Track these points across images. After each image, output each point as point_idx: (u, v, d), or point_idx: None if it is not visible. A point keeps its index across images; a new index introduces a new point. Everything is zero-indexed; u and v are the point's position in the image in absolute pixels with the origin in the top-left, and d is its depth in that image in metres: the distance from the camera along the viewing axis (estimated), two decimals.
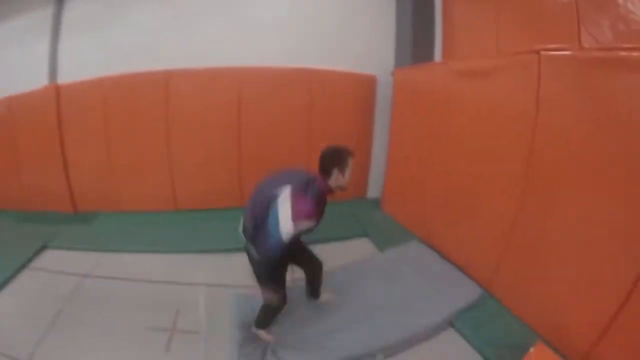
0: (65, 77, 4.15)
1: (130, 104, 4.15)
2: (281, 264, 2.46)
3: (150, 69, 4.10)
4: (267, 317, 2.60)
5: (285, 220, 2.05)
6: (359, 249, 4.04)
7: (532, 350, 2.21)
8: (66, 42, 4.19)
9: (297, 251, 2.65)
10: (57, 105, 4.08)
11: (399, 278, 3.22)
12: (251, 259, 2.43)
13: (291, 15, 4.49)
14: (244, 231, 2.50)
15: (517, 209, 2.72)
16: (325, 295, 3.02)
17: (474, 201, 3.17)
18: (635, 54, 1.98)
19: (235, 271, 3.35)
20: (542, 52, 2.48)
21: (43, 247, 3.68)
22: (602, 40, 2.46)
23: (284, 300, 2.49)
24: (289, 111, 4.52)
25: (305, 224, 2.11)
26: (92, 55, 4.18)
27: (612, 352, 2.07)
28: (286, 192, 2.13)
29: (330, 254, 3.69)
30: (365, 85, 4.77)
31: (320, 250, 3.32)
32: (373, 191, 5.15)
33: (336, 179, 2.24)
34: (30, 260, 3.46)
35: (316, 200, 2.19)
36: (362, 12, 4.71)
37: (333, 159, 2.23)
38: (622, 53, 2.06)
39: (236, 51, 4.27)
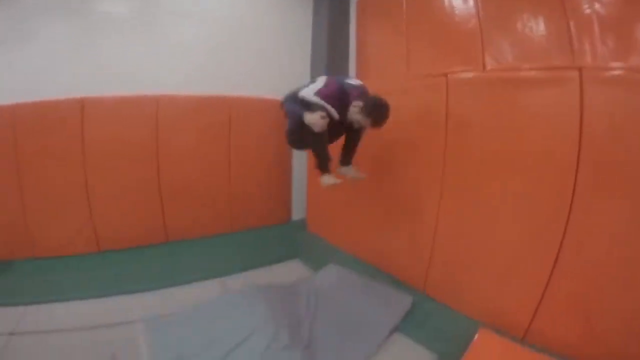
0: None
1: (42, 135, 3.67)
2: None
3: (62, 97, 3.71)
4: (317, 153, 2.87)
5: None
6: (291, 270, 4.06)
7: (476, 337, 2.43)
8: None
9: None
10: None
11: (327, 307, 3.17)
12: None
13: (208, 41, 4.45)
14: None
15: (437, 208, 3.00)
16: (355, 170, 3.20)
17: (397, 207, 3.39)
18: (531, 73, 2.43)
19: (172, 304, 3.27)
20: (449, 75, 2.85)
21: None
22: (503, 61, 2.88)
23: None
24: (206, 139, 4.39)
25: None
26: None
27: (549, 322, 2.37)
28: None
29: (263, 278, 3.71)
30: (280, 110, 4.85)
31: (253, 276, 3.32)
32: (297, 213, 5.19)
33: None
34: None
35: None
36: (278, 38, 4.87)
37: (369, 106, 2.65)
38: (521, 73, 2.51)
39: (152, 77, 4.09)
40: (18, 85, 3.63)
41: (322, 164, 2.89)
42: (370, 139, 3.17)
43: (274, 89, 4.70)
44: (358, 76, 4.56)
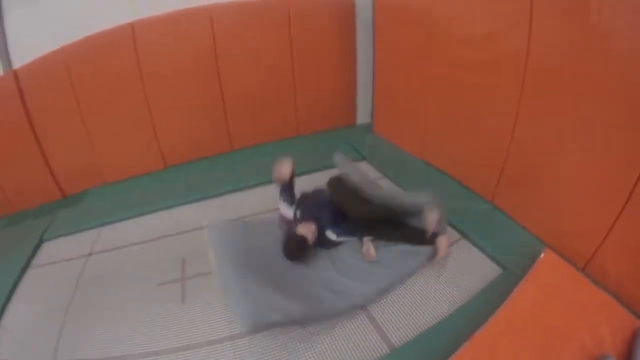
0: (21, 59, 3.69)
1: (97, 68, 3.78)
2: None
3: (111, 26, 3.72)
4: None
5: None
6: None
7: (541, 256, 2.42)
8: (12, 21, 3.66)
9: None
10: (20, 93, 3.66)
11: None
12: None
13: None
14: None
15: (514, 121, 2.77)
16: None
17: (471, 115, 3.18)
18: None
19: (239, 208, 3.55)
20: None
21: (40, 242, 3.57)
22: None
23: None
24: (267, 42, 4.25)
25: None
26: (44, 27, 3.68)
27: (614, 253, 2.28)
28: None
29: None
30: (344, 9, 4.49)
31: (319, 179, 3.37)
32: (363, 117, 5.10)
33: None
34: (30, 259, 3.35)
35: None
36: None
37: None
38: None
39: None
40: (66, 29, 3.65)
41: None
42: (442, 36, 2.97)
43: None
44: None
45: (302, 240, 2.68)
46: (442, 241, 2.62)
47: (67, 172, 4.18)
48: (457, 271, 2.69)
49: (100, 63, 3.78)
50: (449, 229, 2.91)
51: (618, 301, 2.15)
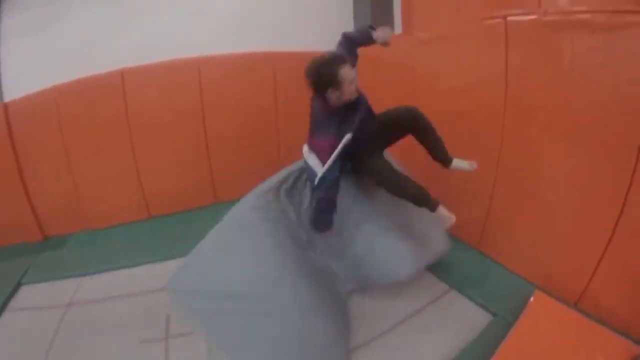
0: (12, 93, 3.73)
1: (86, 111, 3.84)
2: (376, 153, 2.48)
3: (103, 71, 3.81)
4: (411, 191, 2.41)
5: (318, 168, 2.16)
6: None
7: (532, 299, 2.41)
8: (7, 54, 3.77)
9: (376, 130, 2.53)
10: (8, 127, 3.66)
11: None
12: None
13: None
14: None
15: (496, 165, 2.87)
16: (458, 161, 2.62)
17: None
18: (595, 16, 2.13)
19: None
20: (509, 17, 2.58)
21: (19, 285, 3.38)
22: (559, 3, 2.58)
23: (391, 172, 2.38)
24: (252, 96, 4.40)
25: (334, 152, 2.12)
26: (38, 64, 3.80)
27: (605, 285, 2.29)
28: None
29: None
30: None
31: None
32: None
33: (337, 97, 2.15)
34: (6, 301, 3.16)
35: (326, 125, 2.21)
36: None
37: (319, 84, 2.15)
38: (583, 15, 2.19)
39: (192, 40, 4.09)
40: (59, 68, 3.74)
41: (421, 197, 2.44)
42: (425, 91, 3.04)
43: (318, 42, 4.58)
44: (403, 26, 4.34)
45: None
46: (442, 210, 2.44)
47: (49, 212, 4.06)
48: (447, 323, 2.61)
49: (90, 107, 3.82)
50: (436, 280, 2.92)
51: (614, 331, 2.13)
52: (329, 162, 2.11)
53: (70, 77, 3.72)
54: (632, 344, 2.04)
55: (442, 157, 2.61)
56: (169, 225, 4.20)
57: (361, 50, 4.06)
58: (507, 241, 2.94)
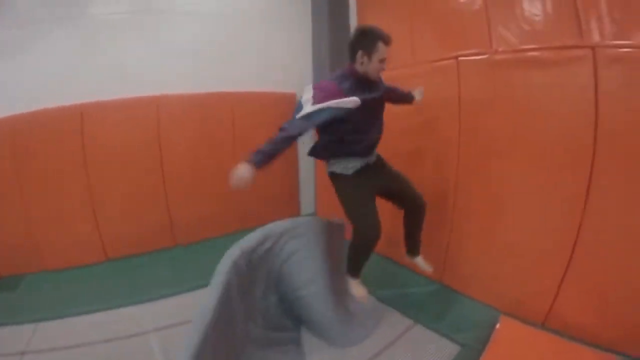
0: None
1: (42, 146, 3.61)
2: (363, 186, 2.37)
3: (62, 104, 3.63)
4: (355, 257, 2.43)
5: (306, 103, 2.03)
6: None
7: (498, 325, 2.42)
8: None
9: (383, 175, 2.50)
10: None
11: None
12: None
13: (207, 39, 4.35)
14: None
15: (454, 194, 2.97)
16: (421, 261, 2.75)
17: None
18: (544, 53, 2.35)
19: (183, 310, 3.16)
20: (460, 58, 2.77)
21: None
22: (510, 42, 2.80)
23: (373, 231, 2.31)
24: (210, 137, 4.36)
25: (326, 104, 2.00)
26: None
27: (568, 307, 2.37)
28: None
29: None
30: (286, 104, 4.79)
31: None
32: (307, 207, 5.21)
33: (361, 64, 2.09)
34: None
35: (338, 82, 2.10)
36: (278, 31, 4.77)
37: (357, 40, 2.09)
38: (533, 53, 2.41)
39: (152, 78, 4.01)
40: (16, 98, 3.54)
41: (356, 266, 2.51)
42: (384, 130, 3.13)
43: (276, 84, 4.69)
44: None
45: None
46: (355, 285, 2.56)
47: (2, 250, 3.71)
48: (415, 358, 2.55)
49: (46, 141, 3.60)
50: (401, 317, 2.88)
51: (585, 344, 2.18)
52: (323, 104, 2.01)
53: (28, 108, 3.52)
54: (604, 354, 2.10)
55: (412, 246, 2.77)
56: (125, 268, 3.94)
57: None
58: (469, 271, 2.98)
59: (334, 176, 2.44)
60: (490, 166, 2.70)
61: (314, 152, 2.46)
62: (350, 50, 2.11)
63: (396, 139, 3.32)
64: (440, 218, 3.06)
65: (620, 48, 2.05)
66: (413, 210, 2.63)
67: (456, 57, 2.80)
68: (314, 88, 2.09)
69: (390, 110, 3.24)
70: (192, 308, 3.10)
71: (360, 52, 2.06)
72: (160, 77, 4.06)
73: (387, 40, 2.06)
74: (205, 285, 3.47)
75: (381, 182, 2.49)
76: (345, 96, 2.03)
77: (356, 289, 2.54)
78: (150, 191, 4.15)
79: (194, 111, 4.24)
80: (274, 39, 4.77)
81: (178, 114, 4.14)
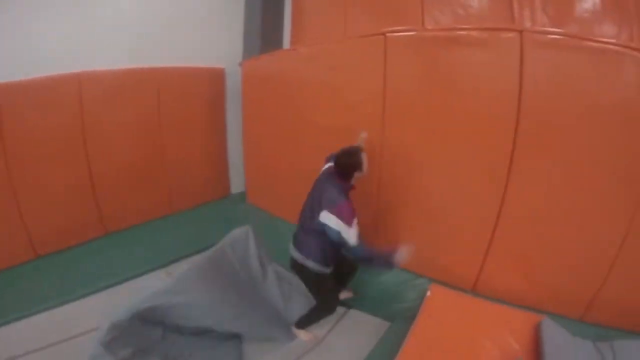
0: None
1: None
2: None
3: None
4: (316, 319, 2.81)
5: (344, 230, 2.30)
6: None
7: (428, 293, 2.55)
8: None
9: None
10: None
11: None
12: (305, 275, 2.66)
13: (133, 13, 3.92)
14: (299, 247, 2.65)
15: (379, 167, 3.02)
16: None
17: None
18: (472, 33, 2.43)
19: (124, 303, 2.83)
20: (388, 34, 2.77)
21: None
22: (443, 23, 2.88)
23: (336, 304, 2.81)
24: (137, 115, 4.01)
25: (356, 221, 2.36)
26: None
27: (495, 273, 2.57)
28: (325, 213, 2.38)
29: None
30: (214, 79, 4.59)
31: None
32: (236, 186, 5.04)
33: (356, 178, 2.53)
34: None
35: (345, 197, 2.44)
36: (208, 5, 4.47)
37: (351, 165, 2.48)
38: (462, 32, 2.48)
39: (74, 55, 3.51)
40: None
41: (311, 323, 2.86)
42: (309, 106, 3.24)
43: (205, 58, 4.45)
44: (292, 41, 4.45)
45: None
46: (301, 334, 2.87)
47: None
48: (349, 340, 2.72)
49: None
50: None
51: (513, 306, 2.36)
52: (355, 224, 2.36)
53: None
54: (533, 314, 2.28)
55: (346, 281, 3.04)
56: (57, 265, 3.56)
57: (250, 65, 4.05)
58: (396, 241, 3.01)
59: (319, 274, 2.62)
60: (414, 139, 2.78)
61: (324, 261, 2.60)
62: (345, 174, 2.50)
63: (320, 116, 3.36)
64: (366, 191, 3.08)
65: (546, 34, 2.19)
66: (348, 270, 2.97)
67: (384, 34, 2.79)
68: (340, 214, 2.35)
69: (316, 87, 3.30)
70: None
71: (357, 173, 2.50)
72: (82, 53, 3.59)
73: (363, 150, 2.59)
74: (140, 273, 3.50)
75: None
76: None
77: (304, 335, 2.86)
78: (75, 177, 3.72)
79: (118, 88, 3.83)
80: (204, 12, 4.46)
81: (101, 93, 3.71)
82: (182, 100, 4.31)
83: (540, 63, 2.18)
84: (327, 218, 2.35)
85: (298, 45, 4.13)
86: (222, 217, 4.44)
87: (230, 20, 4.59)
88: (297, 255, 2.60)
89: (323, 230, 2.39)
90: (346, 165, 2.47)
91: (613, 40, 2.05)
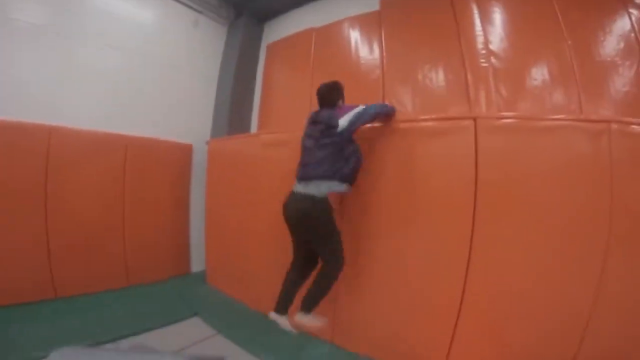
0: None
1: None
2: None
3: None
4: (327, 285, 2.61)
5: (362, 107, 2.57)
6: (192, 330, 3.68)
7: None
8: None
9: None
10: None
11: None
12: (314, 218, 2.55)
13: (113, 77, 4.05)
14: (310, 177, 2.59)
15: None
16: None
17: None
18: (431, 123, 2.64)
19: None
20: None
21: None
22: (404, 110, 3.04)
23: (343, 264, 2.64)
24: (102, 179, 3.94)
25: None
26: None
27: (465, 353, 2.46)
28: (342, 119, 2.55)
29: (163, 341, 3.29)
30: (182, 154, 4.63)
31: (149, 339, 2.96)
32: (197, 264, 4.84)
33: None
34: None
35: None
36: (183, 82, 4.66)
37: (336, 93, 2.73)
38: (422, 123, 2.69)
39: (49, 105, 3.54)
40: None
41: (322, 298, 2.65)
42: (267, 190, 3.32)
43: (174, 133, 4.51)
44: (259, 126, 4.66)
45: None
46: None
47: None
48: None
49: None
50: None
51: None
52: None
53: None
54: None
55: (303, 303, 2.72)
56: (2, 322, 3.17)
57: (217, 145, 4.12)
58: (359, 326, 2.96)
59: (328, 205, 2.60)
60: (380, 224, 2.82)
61: (349, 178, 2.70)
62: (331, 103, 2.74)
63: (273, 200, 3.27)
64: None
65: (499, 119, 2.40)
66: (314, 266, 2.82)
67: None
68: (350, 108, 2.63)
69: (274, 173, 3.43)
70: None
71: (340, 101, 2.76)
72: (58, 105, 3.64)
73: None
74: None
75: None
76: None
77: (313, 320, 2.64)
78: (30, 233, 3.54)
79: (88, 150, 3.82)
80: (179, 88, 4.66)
81: (70, 150, 3.69)
82: (148, 171, 4.29)
83: (493, 146, 2.35)
84: (347, 117, 2.53)
85: (263, 131, 4.31)
86: (178, 296, 4.19)
87: (202, 99, 4.79)
88: (309, 188, 2.56)
89: (341, 142, 2.54)
90: (333, 93, 2.73)
91: (562, 116, 2.30)
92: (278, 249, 3.36)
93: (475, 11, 3.38)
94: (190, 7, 4.87)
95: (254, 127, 4.85)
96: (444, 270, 2.50)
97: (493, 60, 3.08)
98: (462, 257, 2.41)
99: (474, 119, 2.40)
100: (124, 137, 4.08)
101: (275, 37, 5.13)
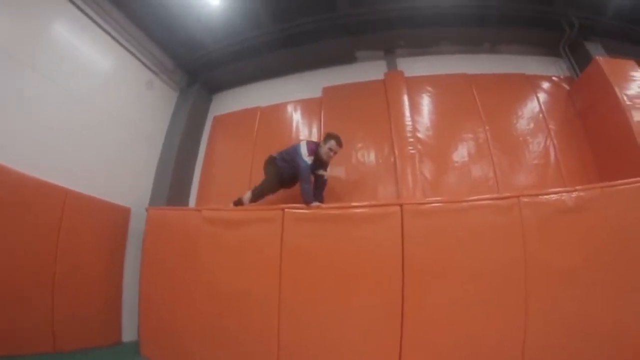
0: None
1: None
2: None
3: None
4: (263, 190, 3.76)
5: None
6: None
7: None
8: None
9: None
10: None
11: None
12: None
13: (57, 125, 3.89)
14: None
15: (277, 325, 3.12)
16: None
17: (229, 334, 3.39)
18: (361, 210, 3.00)
19: None
20: (287, 209, 3.21)
21: None
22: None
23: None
24: (35, 230, 3.54)
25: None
26: None
27: None
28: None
29: None
30: (119, 217, 4.47)
31: None
32: (129, 334, 4.58)
33: (324, 151, 3.49)
34: None
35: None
36: (126, 144, 4.63)
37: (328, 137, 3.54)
38: (352, 210, 3.05)
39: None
40: None
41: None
42: (207, 265, 3.50)
43: (113, 193, 4.37)
44: (199, 198, 4.81)
45: None
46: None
47: None
48: None
49: None
50: None
51: None
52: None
53: None
54: None
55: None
56: None
57: (156, 213, 4.13)
58: None
59: None
60: (315, 300, 3.01)
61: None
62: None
63: (218, 277, 3.53)
64: (265, 346, 3.15)
65: (422, 204, 2.83)
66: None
67: (282, 209, 3.24)
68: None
69: (214, 249, 3.63)
70: None
71: (327, 144, 3.46)
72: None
73: (340, 143, 3.53)
74: None
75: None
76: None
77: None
78: None
79: (22, 196, 3.44)
80: (122, 149, 4.59)
81: (2, 192, 3.27)
82: (84, 230, 4.01)
83: (417, 228, 2.76)
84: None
85: (203, 205, 4.35)
86: None
87: (144, 161, 4.74)
88: None
89: None
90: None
91: (477, 197, 2.80)
92: (215, 320, 3.45)
93: (406, 103, 3.92)
94: (147, 67, 4.99)
95: (192, 196, 4.91)
96: (379, 336, 2.74)
97: (419, 146, 3.59)
98: (395, 323, 2.70)
99: (401, 206, 2.77)
100: (61, 189, 3.81)
101: (222, 109, 5.39)
